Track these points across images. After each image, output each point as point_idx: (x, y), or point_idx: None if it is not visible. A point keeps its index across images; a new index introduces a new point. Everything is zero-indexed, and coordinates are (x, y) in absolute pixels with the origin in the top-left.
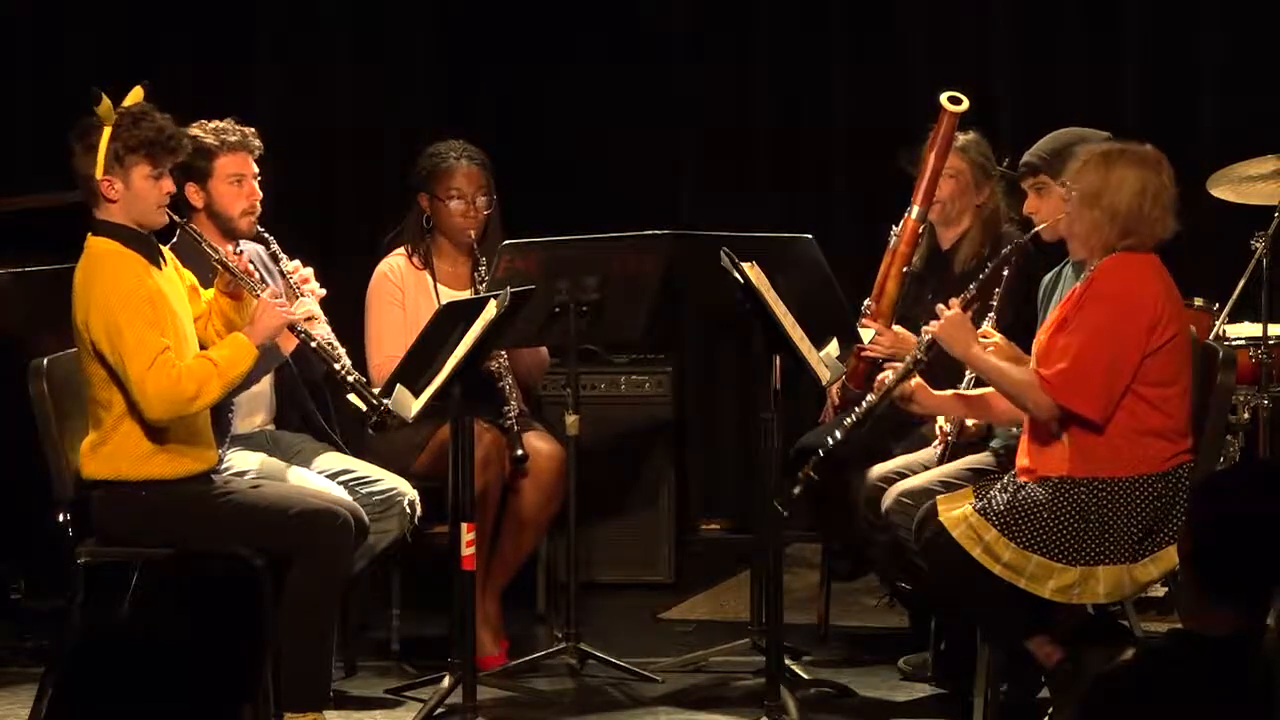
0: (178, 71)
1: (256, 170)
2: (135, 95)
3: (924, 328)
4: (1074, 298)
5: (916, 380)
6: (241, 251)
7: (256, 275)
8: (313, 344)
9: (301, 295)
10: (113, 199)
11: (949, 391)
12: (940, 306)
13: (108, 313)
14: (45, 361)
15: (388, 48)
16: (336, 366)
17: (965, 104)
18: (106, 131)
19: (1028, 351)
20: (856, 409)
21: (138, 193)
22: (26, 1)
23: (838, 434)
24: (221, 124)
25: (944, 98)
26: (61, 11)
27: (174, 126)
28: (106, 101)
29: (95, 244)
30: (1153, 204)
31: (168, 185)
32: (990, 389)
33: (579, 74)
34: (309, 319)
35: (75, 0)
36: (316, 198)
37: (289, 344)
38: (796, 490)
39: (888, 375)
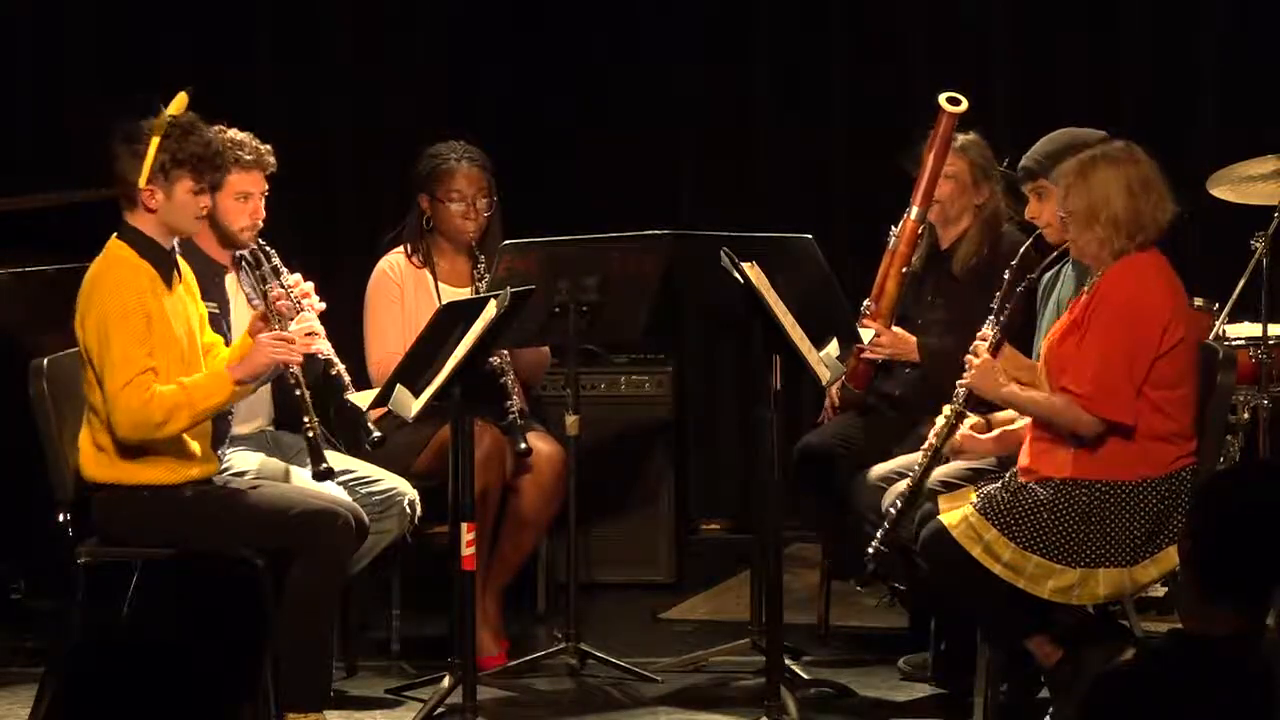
0: (178, 71)
1: (266, 187)
2: (180, 101)
3: (958, 382)
4: (1084, 304)
5: (962, 432)
6: (244, 258)
7: (290, 317)
8: (297, 392)
9: (302, 309)
10: (152, 208)
11: (994, 433)
12: (969, 357)
13: (102, 320)
14: (45, 361)
15: (388, 48)
16: (305, 421)
17: (964, 105)
18: (155, 141)
19: (1026, 350)
20: (910, 481)
21: (178, 204)
22: (26, 1)
23: (899, 503)
24: (240, 136)
25: (943, 98)
26: (61, 11)
27: (219, 141)
28: (163, 114)
29: (115, 247)
30: (1145, 196)
31: (206, 199)
32: (1018, 421)
33: (579, 74)
34: (309, 335)
35: (75, 0)
36: (317, 198)
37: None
38: (871, 567)
39: (931, 437)
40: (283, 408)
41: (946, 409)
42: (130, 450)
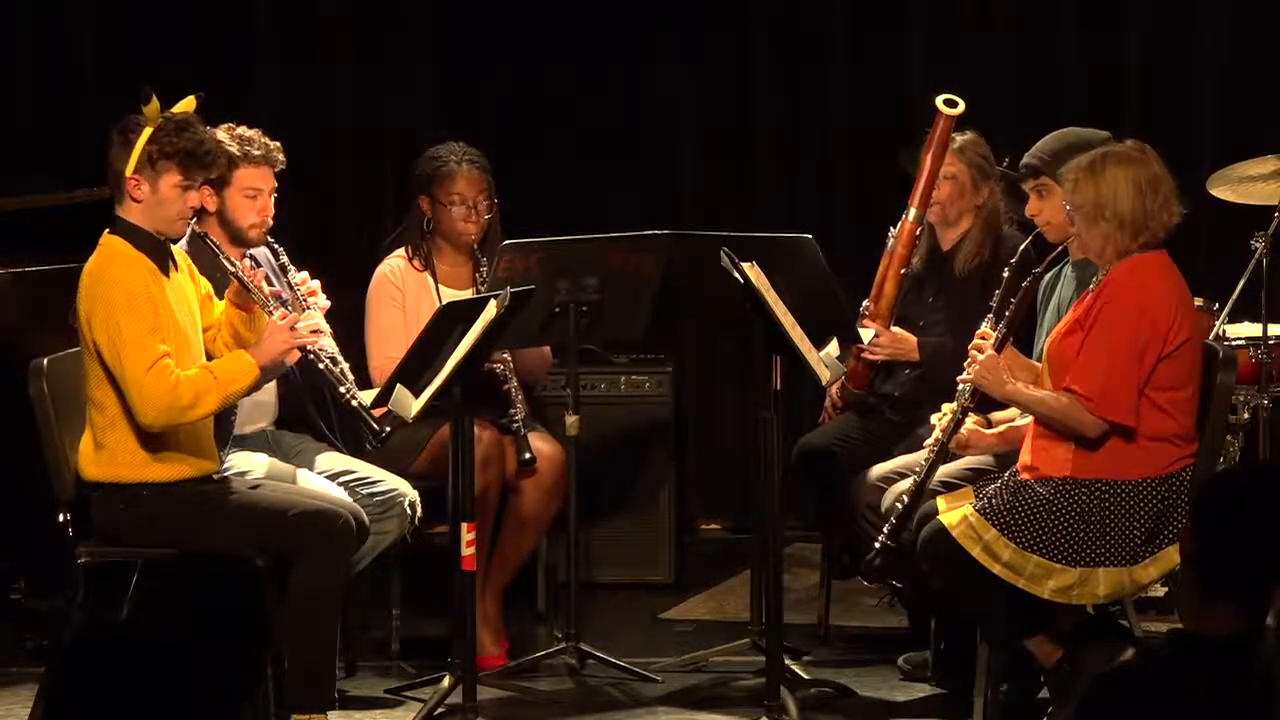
0: (178, 71)
1: (275, 184)
2: (187, 104)
3: (959, 379)
4: (1087, 303)
5: (967, 427)
6: (251, 257)
7: (269, 292)
8: (320, 365)
9: (308, 307)
10: (138, 199)
11: (999, 428)
12: (973, 351)
13: (110, 312)
14: (45, 361)
15: (388, 48)
16: (342, 390)
17: (961, 106)
18: (147, 132)
19: (1027, 351)
20: (916, 472)
21: (163, 199)
22: (26, 1)
23: (904, 498)
24: (249, 133)
25: (939, 100)
26: (61, 11)
27: (214, 142)
28: (155, 103)
29: (110, 242)
30: (1152, 196)
31: (194, 199)
32: (1018, 419)
33: (579, 74)
34: (315, 332)
35: (75, 0)
36: (316, 198)
37: (295, 355)
38: (877, 561)
39: (936, 433)
40: (285, 409)
41: (948, 407)
42: (130, 450)
